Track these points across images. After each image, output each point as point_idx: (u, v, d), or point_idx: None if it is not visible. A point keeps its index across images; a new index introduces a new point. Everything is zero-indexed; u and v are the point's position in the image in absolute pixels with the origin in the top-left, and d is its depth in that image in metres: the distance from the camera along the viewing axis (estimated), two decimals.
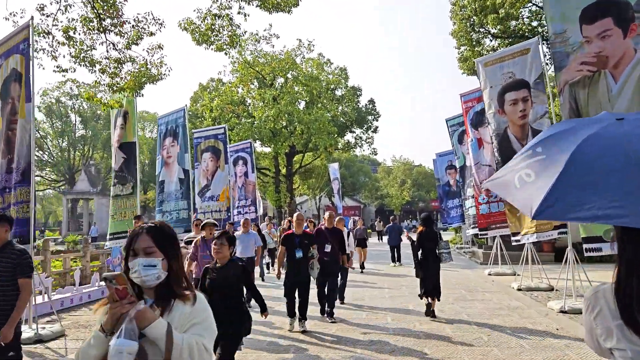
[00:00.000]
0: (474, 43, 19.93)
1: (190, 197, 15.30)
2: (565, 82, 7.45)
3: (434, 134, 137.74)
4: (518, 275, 14.83)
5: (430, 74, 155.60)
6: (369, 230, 49.47)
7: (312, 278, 8.22)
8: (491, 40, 20.22)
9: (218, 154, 18.83)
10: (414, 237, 9.22)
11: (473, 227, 15.65)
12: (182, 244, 9.80)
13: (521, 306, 9.82)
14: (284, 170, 33.74)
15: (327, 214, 9.53)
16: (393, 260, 18.76)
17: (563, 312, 9.02)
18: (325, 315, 8.86)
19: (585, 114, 7.09)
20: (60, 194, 46.81)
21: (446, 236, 29.53)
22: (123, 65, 11.33)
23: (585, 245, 7.47)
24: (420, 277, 9.02)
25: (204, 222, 8.20)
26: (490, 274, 15.04)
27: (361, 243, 16.07)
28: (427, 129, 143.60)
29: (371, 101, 31.36)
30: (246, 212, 21.00)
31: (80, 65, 10.94)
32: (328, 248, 8.82)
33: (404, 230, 18.13)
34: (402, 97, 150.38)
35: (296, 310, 8.15)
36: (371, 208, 67.63)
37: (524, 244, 13.39)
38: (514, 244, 10.65)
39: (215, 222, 8.32)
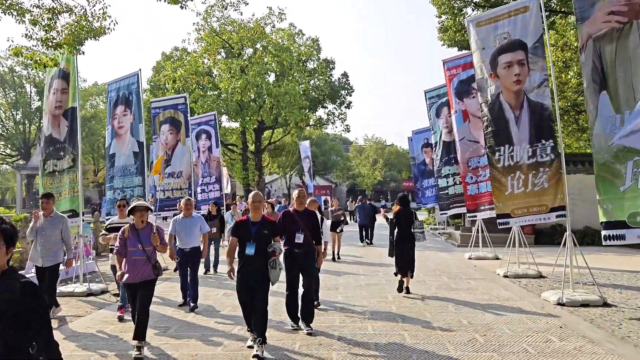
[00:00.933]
0: (456, 12, 18.71)
1: (145, 173, 13.76)
2: (588, 36, 6.29)
3: (409, 112, 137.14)
4: (500, 259, 13.94)
5: (407, 47, 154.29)
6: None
7: (272, 282, 5.88)
8: (474, 10, 19.02)
9: (178, 126, 17.24)
10: (390, 216, 9.54)
11: (453, 207, 14.60)
12: (103, 231, 7.82)
13: (512, 297, 8.78)
14: (252, 147, 32.22)
15: (296, 192, 7.23)
16: (361, 240, 18.47)
17: (561, 304, 8.01)
18: (299, 326, 6.76)
19: (611, 74, 5.94)
20: (15, 169, 44.12)
21: (420, 216, 28.63)
22: (59, 16, 9.67)
23: (604, 232, 6.41)
24: (393, 255, 9.32)
25: (133, 205, 6.03)
26: (471, 258, 14.07)
27: (334, 227, 14.50)
28: (401, 107, 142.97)
29: (344, 75, 30.01)
30: (210, 191, 19.53)
31: (5, 13, 9.24)
32: (300, 238, 6.68)
33: (380, 209, 17.36)
34: (377, 72, 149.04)
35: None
36: (343, 187, 66.69)
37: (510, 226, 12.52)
38: (500, 227, 9.54)
39: (149, 205, 6.32)
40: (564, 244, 8.38)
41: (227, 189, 48.56)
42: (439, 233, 22.79)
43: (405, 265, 9.11)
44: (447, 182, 14.48)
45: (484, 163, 11.60)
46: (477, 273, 11.56)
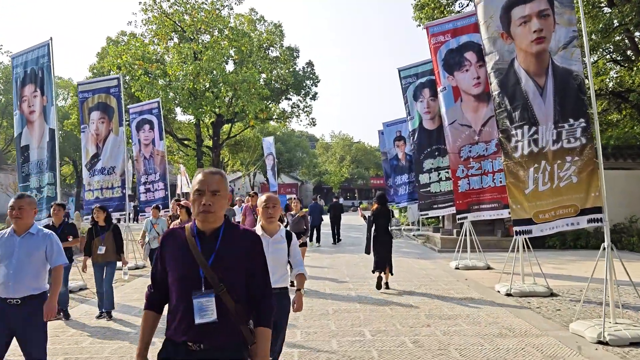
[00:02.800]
0: None
1: (56, 168, 11.06)
2: None
3: (379, 108, 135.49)
4: (492, 269, 11.82)
5: (377, 35, 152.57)
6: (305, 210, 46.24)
7: None
8: None
9: (110, 114, 14.50)
10: (368, 214, 9.76)
11: (437, 207, 12.41)
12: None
13: (529, 329, 6.57)
14: (209, 142, 29.51)
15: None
16: (311, 239, 17.23)
17: (603, 342, 5.83)
18: None
19: None
20: None
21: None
22: None
23: None
24: (370, 252, 9.52)
25: None
26: (458, 268, 11.92)
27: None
28: (371, 102, 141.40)
29: (309, 64, 27.62)
30: (155, 190, 16.82)
31: None
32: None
33: (359, 209, 16.32)
34: (344, 65, 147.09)
35: None
36: (309, 185, 64.37)
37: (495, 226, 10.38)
38: (521, 236, 7.33)
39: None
40: (600, 251, 6.21)
41: (186, 188, 45.45)
42: (414, 235, 20.67)
43: (383, 262, 9.33)
44: (430, 177, 12.28)
45: (477, 153, 9.44)
46: (472, 290, 9.36)
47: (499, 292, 9.07)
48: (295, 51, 27.16)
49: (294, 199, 12.12)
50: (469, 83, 9.16)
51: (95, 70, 26.53)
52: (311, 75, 27.44)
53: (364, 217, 9.97)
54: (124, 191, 13.93)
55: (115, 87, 14.28)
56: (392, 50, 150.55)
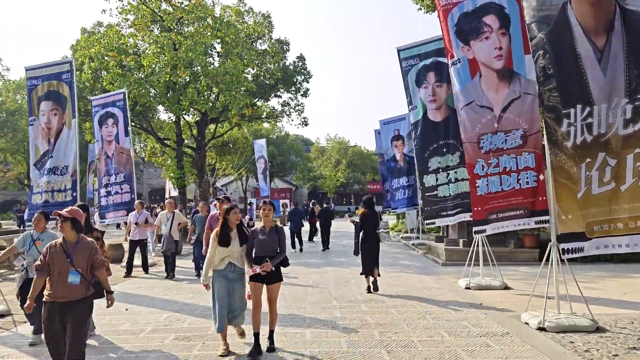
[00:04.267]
0: None
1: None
2: None
3: (377, 108, 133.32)
4: (511, 288, 9.79)
5: (374, 31, 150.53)
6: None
7: None
8: None
9: (63, 104, 12.45)
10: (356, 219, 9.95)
11: (447, 214, 10.38)
12: None
13: None
14: (194, 143, 27.43)
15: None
16: (293, 247, 17.18)
17: None
18: None
19: None
20: None
21: (389, 222, 23.96)
22: None
23: None
24: (358, 254, 9.59)
25: None
26: (469, 288, 9.87)
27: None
28: (369, 101, 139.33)
29: (301, 58, 25.58)
30: (117, 193, 14.74)
31: None
32: None
33: (346, 215, 15.58)
34: (339, 63, 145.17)
35: None
36: (304, 190, 62.34)
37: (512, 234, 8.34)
38: (573, 255, 5.30)
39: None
40: None
41: (174, 192, 43.22)
42: (413, 244, 18.62)
43: (371, 265, 9.49)
44: (437, 178, 10.27)
45: (495, 145, 7.39)
46: (492, 321, 7.30)
47: (527, 324, 7.02)
48: (285, 44, 25.14)
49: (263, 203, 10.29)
50: (489, 54, 7.15)
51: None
52: (302, 70, 25.40)
53: (354, 222, 10.18)
54: (74, 194, 11.86)
55: (67, 72, 12.25)
56: (391, 45, 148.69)
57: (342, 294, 9.35)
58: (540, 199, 7.29)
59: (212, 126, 28.70)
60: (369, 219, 9.58)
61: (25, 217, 21.52)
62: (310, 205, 22.49)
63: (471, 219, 10.40)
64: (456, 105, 7.93)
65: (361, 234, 9.58)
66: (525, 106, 7.00)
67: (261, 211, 6.01)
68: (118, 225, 30.42)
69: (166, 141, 26.79)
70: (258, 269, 5.62)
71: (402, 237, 22.03)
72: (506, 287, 9.87)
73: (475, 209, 7.88)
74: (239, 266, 5.85)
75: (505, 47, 7.03)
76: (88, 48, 21.62)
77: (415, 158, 10.76)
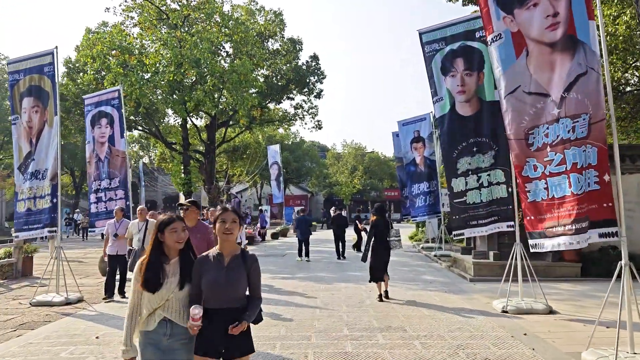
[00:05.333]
0: None
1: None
2: None
3: (394, 114, 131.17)
4: (557, 313, 8.21)
5: (394, 32, 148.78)
6: (315, 223, 42.60)
7: None
8: None
9: (45, 100, 11.22)
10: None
11: (478, 224, 8.84)
12: None
13: None
14: (203, 148, 26.27)
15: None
16: (300, 255, 16.57)
17: None
18: None
19: None
20: None
21: (406, 231, 22.32)
22: None
23: None
24: (366, 261, 9.56)
25: None
26: (506, 311, 8.30)
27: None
28: (387, 102, 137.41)
29: (314, 57, 24.25)
30: (111, 199, 13.49)
31: None
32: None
33: (356, 222, 15.85)
34: (348, 55, 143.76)
35: None
36: (319, 197, 60.91)
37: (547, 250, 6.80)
38: None
39: None
40: None
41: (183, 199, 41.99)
42: (435, 256, 17.02)
43: (380, 273, 9.39)
44: (467, 182, 8.76)
45: (557, 135, 5.82)
46: None
47: None
48: (297, 43, 23.86)
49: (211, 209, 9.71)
50: (540, 24, 5.65)
51: (70, 65, 23.49)
52: (316, 71, 24.08)
53: (365, 230, 10.25)
54: (54, 200, 10.58)
55: (49, 64, 11.02)
56: (414, 44, 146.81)
57: (356, 319, 7.87)
58: (604, 205, 5.73)
59: (222, 130, 27.53)
60: (380, 227, 9.49)
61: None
62: (332, 212, 20.91)
63: (509, 229, 8.91)
64: (498, 94, 6.42)
65: (372, 242, 9.51)
66: (591, 85, 5.48)
67: (217, 226, 3.45)
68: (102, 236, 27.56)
69: (174, 145, 25.66)
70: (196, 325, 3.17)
71: (422, 248, 20.42)
72: (551, 311, 8.28)
73: (530, 218, 6.30)
74: (180, 325, 3.29)
75: (563, 12, 5.51)
76: (90, 48, 20.61)
77: (441, 158, 9.21)
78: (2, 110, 42.85)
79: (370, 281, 9.63)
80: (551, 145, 5.72)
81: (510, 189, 8.74)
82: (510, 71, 5.98)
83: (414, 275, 12.93)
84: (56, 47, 10.97)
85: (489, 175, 8.67)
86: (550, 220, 5.96)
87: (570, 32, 5.47)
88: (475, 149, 8.72)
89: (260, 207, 36.91)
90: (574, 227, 5.65)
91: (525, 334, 6.88)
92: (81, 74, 22.72)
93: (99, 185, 13.63)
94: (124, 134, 13.59)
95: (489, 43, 6.30)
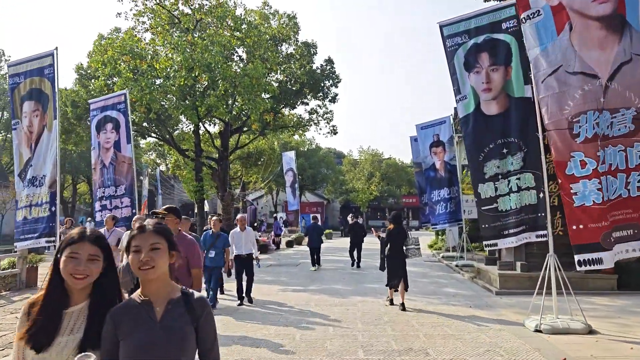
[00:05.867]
0: None
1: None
2: None
3: (412, 115, 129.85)
4: (597, 333, 7.37)
5: (411, 36, 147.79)
6: (328, 231, 41.85)
7: None
8: None
9: (45, 103, 10.75)
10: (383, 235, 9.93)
11: (510, 234, 8.05)
12: None
13: None
14: (215, 154, 25.78)
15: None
16: (313, 264, 16.20)
17: None
18: None
19: None
20: None
21: (425, 239, 21.49)
22: None
23: None
24: (384, 270, 9.68)
25: None
26: (540, 331, 7.48)
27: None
28: (404, 109, 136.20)
29: (329, 61, 23.64)
30: (116, 207, 12.98)
31: None
32: None
33: (372, 229, 14.68)
34: (372, 73, 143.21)
35: None
36: (335, 204, 60.11)
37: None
38: None
39: None
40: None
41: (207, 207, 41.62)
42: (457, 266, 16.16)
43: (396, 280, 9.30)
44: (496, 188, 7.97)
45: (602, 129, 5.03)
46: None
47: None
48: (312, 47, 23.28)
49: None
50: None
51: (82, 71, 23.23)
52: (331, 75, 23.45)
53: (379, 237, 10.21)
54: (53, 209, 10.06)
55: (49, 66, 10.57)
56: (432, 49, 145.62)
57: (372, 339, 7.12)
58: None
59: (236, 136, 27.01)
60: (396, 235, 9.49)
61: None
62: (349, 219, 20.19)
63: (539, 239, 8.10)
64: (533, 77, 5.67)
65: (387, 250, 9.53)
66: (637, 74, 4.70)
67: (130, 256, 2.16)
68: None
69: (187, 152, 25.20)
70: None
71: (442, 257, 19.53)
72: (591, 331, 7.44)
73: (575, 227, 5.50)
74: None
75: None
76: (102, 53, 20.25)
77: (467, 161, 8.42)
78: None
79: (387, 285, 9.75)
80: (605, 137, 4.94)
81: (541, 195, 7.95)
82: (550, 50, 5.24)
83: (435, 287, 12.12)
84: (56, 48, 10.51)
85: (518, 179, 7.89)
86: (605, 228, 5.15)
87: (620, 12, 4.72)
88: (504, 151, 7.95)
89: (274, 215, 36.33)
90: (614, 236, 4.85)
91: (564, 359, 6.07)
92: (93, 80, 22.40)
93: (104, 192, 13.14)
94: (131, 140, 13.08)
95: (523, 21, 5.57)
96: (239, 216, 10.44)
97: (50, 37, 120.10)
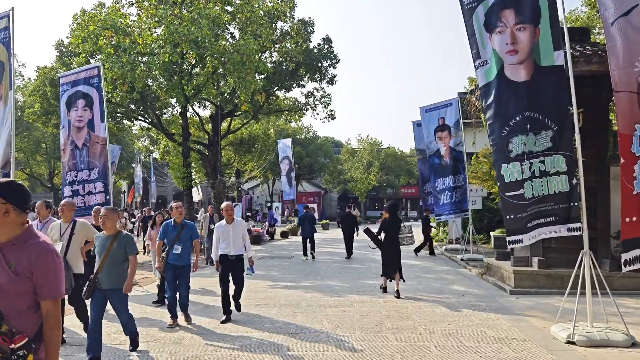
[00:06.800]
0: None
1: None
2: None
3: (413, 102, 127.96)
4: None
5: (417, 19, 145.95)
6: (325, 221, 40.56)
7: None
8: None
9: (0, 72, 9.48)
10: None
11: (539, 225, 6.79)
12: None
13: None
14: (205, 140, 24.45)
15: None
16: (305, 254, 15.95)
17: None
18: None
19: None
20: None
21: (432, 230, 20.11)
22: None
23: None
24: (374, 247, 10.02)
25: None
26: (573, 342, 6.24)
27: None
28: (405, 96, 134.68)
29: (327, 40, 22.24)
30: (89, 193, 11.68)
31: None
32: None
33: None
34: (373, 56, 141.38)
35: None
36: (333, 194, 58.91)
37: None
38: None
39: None
40: None
41: (197, 196, 40.24)
42: (462, 260, 14.94)
43: (391, 268, 9.52)
44: (523, 170, 6.69)
45: None
46: None
47: None
48: (309, 25, 21.87)
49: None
50: None
51: (62, 48, 21.78)
52: (329, 55, 22.06)
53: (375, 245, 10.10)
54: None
55: (4, 29, 9.22)
56: (437, 33, 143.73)
57: (373, 351, 5.89)
58: None
59: (228, 121, 25.64)
60: (391, 225, 9.71)
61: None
62: (349, 209, 19.29)
63: (571, 233, 6.83)
64: (602, 17, 4.37)
65: (382, 238, 9.77)
66: None
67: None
68: None
69: (174, 136, 23.82)
70: None
71: (445, 250, 18.32)
72: (634, 343, 6.22)
73: (627, 220, 4.27)
74: None
75: None
76: (82, 29, 18.84)
77: (489, 138, 7.12)
78: None
79: (382, 275, 9.84)
80: None
81: (575, 181, 6.69)
82: None
83: (441, 284, 10.90)
84: (12, 9, 9.14)
85: (542, 161, 6.61)
86: None
87: None
88: (528, 126, 6.67)
89: (269, 204, 35.04)
90: None
91: None
92: (74, 57, 20.97)
93: (76, 176, 11.82)
94: (104, 118, 11.74)
95: None
96: (224, 204, 7.97)
97: (28, 9, 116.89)
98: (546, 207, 6.58)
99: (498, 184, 7.11)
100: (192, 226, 7.59)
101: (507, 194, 6.72)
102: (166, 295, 7.43)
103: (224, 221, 7.73)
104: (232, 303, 7.65)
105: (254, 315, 7.80)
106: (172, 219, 7.56)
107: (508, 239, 6.96)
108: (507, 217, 6.89)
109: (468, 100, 12.78)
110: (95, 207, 8.40)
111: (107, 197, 11.54)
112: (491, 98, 6.81)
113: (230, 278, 7.60)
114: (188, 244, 7.36)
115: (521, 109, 6.85)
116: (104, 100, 11.81)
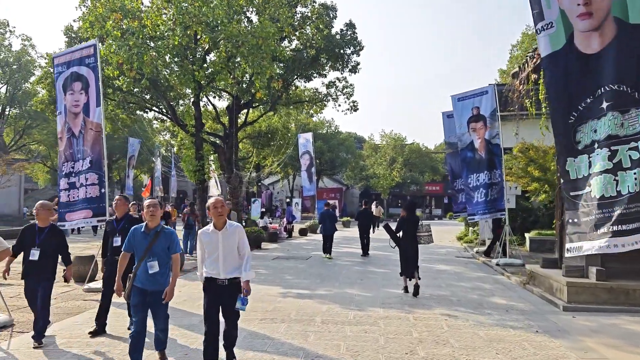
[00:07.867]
0: None
1: None
2: None
3: (441, 92, 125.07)
4: None
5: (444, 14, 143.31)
6: (345, 219, 39.09)
7: None
8: None
9: None
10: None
11: (616, 232, 5.32)
12: None
13: None
14: (220, 130, 23.29)
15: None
16: (325, 252, 15.30)
17: None
18: None
19: None
20: None
21: (454, 230, 18.64)
22: None
23: None
24: (394, 245, 9.95)
25: None
26: None
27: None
28: (432, 85, 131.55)
29: (350, 25, 20.79)
30: (82, 185, 10.55)
31: None
32: None
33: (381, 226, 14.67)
34: (398, 53, 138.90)
35: None
36: (354, 190, 57.49)
37: None
38: None
39: None
40: None
41: (216, 191, 39.13)
42: (497, 265, 13.42)
43: (409, 266, 9.50)
44: (591, 163, 5.22)
45: None
46: None
47: None
48: (331, 9, 20.48)
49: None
50: None
51: (71, 33, 20.80)
52: (352, 41, 20.61)
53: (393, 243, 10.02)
54: None
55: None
56: (464, 29, 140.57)
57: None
58: None
59: (245, 112, 24.41)
60: (408, 223, 9.67)
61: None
62: (371, 206, 18.37)
63: None
64: None
65: (400, 235, 9.72)
66: None
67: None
68: (77, 230, 23.84)
69: (187, 127, 22.69)
70: None
71: (477, 252, 16.78)
72: None
73: None
74: None
75: None
76: (91, 13, 17.81)
77: (551, 125, 5.65)
78: (23, 93, 41.42)
79: (401, 274, 9.72)
80: None
81: None
82: None
83: (479, 296, 9.43)
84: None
85: (632, 150, 5.12)
86: None
87: None
88: (607, 105, 5.18)
89: (288, 200, 33.80)
90: None
91: None
92: (83, 43, 19.96)
93: (73, 167, 10.71)
94: (100, 102, 10.57)
95: None
96: (211, 199, 5.17)
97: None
98: (633, 209, 5.10)
99: (562, 181, 5.63)
100: (170, 234, 5.23)
101: (572, 194, 5.28)
102: (129, 329, 5.73)
103: (210, 226, 5.15)
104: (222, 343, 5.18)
105: (256, 335, 6.48)
106: (144, 223, 5.26)
107: (567, 246, 5.52)
108: (570, 221, 5.44)
109: (510, 84, 11.21)
110: (117, 196, 7.08)
111: (102, 190, 10.41)
112: (557, 72, 5.35)
113: (220, 313, 5.10)
114: (165, 259, 5.16)
115: (594, 87, 5.36)
116: (99, 83, 10.60)
